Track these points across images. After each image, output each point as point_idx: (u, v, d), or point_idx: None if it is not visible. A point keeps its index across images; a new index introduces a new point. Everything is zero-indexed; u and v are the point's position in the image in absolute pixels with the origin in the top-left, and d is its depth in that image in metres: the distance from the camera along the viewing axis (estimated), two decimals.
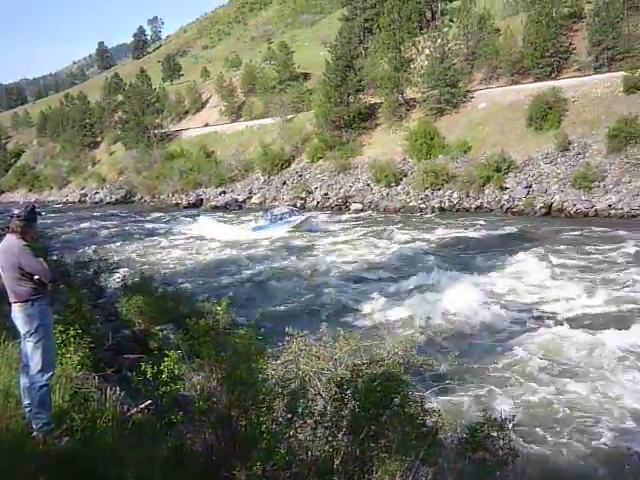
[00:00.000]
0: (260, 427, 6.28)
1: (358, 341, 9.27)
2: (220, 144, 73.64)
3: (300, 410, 7.31)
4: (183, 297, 18.08)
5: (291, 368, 8.55)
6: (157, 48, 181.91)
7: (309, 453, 6.71)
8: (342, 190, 54.34)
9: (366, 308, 23.18)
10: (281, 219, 43.23)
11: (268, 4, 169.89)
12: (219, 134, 76.97)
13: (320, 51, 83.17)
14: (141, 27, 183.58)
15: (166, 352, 6.77)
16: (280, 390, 6.94)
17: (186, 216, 54.76)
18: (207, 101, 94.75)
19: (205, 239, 41.70)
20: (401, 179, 51.64)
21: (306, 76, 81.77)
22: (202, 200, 63.45)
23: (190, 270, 32.58)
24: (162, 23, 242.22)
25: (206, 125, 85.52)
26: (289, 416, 6.96)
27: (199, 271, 32.15)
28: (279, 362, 8.70)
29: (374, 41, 74.38)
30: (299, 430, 7.11)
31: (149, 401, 7.06)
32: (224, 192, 63.00)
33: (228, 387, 6.10)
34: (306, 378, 8.22)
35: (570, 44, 58.82)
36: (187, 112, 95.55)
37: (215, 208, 59.40)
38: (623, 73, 46.26)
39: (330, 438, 6.82)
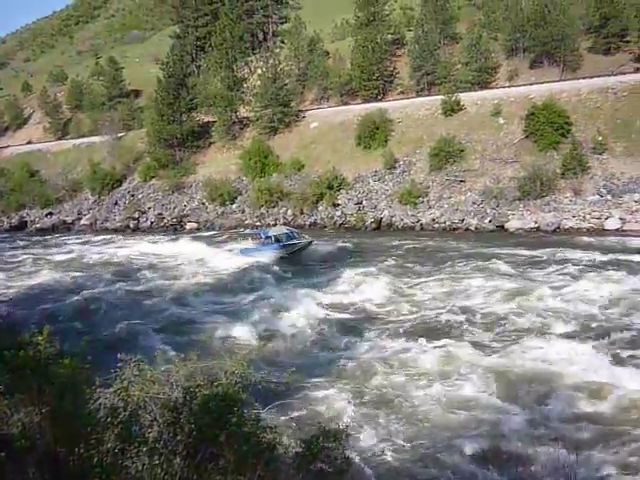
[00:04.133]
0: (90, 461, 5.98)
1: (195, 362, 9.10)
2: (45, 163, 69.68)
3: (134, 439, 7.05)
4: (3, 327, 16.83)
5: (124, 395, 8.23)
6: None
7: None
8: (177, 209, 53.51)
9: (206, 328, 22.90)
10: (278, 241, 36.01)
11: (95, 18, 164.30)
12: (44, 152, 72.84)
13: (151, 68, 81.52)
14: None
15: None
16: (111, 420, 6.66)
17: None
18: (30, 117, 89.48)
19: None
20: (236, 197, 51.83)
21: (137, 93, 79.94)
22: (26, 222, 59.66)
23: (20, 298, 30.39)
24: None
25: (29, 143, 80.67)
26: (122, 446, 6.69)
27: (30, 298, 30.06)
28: (111, 390, 8.33)
29: (206, 60, 74.31)
30: (134, 459, 6.85)
31: None
32: (50, 213, 59.67)
33: (53, 421, 5.76)
34: (141, 404, 7.95)
35: (394, 68, 62.59)
36: (7, 128, 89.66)
37: (41, 230, 56.09)
38: (441, 97, 49.72)
39: (166, 465, 6.64)
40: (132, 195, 58.36)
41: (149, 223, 53.04)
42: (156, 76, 63.23)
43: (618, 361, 17.04)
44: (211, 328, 22.85)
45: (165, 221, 52.58)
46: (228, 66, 60.83)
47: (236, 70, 61.56)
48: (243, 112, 60.73)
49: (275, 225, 44.66)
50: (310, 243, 36.02)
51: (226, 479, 6.21)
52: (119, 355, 8.80)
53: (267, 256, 35.20)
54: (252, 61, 65.78)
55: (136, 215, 54.42)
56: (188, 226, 50.70)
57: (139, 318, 25.29)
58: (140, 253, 40.07)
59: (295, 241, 35.89)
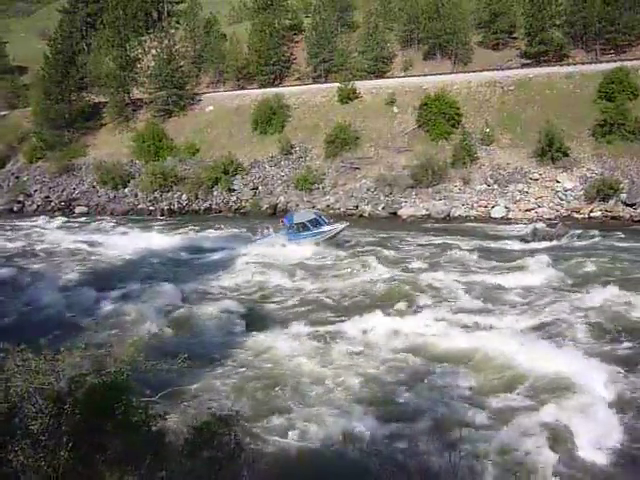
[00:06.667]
0: None
1: (83, 350, 8.84)
2: None
3: (18, 431, 6.79)
4: None
5: (7, 387, 7.89)
6: None
7: (26, 477, 6.28)
8: (65, 192, 51.54)
9: (92, 316, 22.24)
10: (312, 229, 30.56)
11: None
12: None
13: (38, 44, 77.62)
14: None
15: None
16: None
17: None
18: None
19: None
20: (129, 181, 50.43)
21: (22, 70, 75.89)
22: None
23: None
24: None
25: None
26: (2, 439, 6.43)
27: None
28: None
29: (98, 37, 71.50)
30: (18, 453, 6.60)
31: None
32: None
33: None
34: (25, 395, 7.65)
35: (291, 54, 62.59)
36: None
37: None
38: (338, 84, 50.19)
39: (50, 457, 6.44)
40: (16, 177, 55.78)
41: (35, 206, 50.82)
42: (43, 52, 60.28)
43: None
44: (99, 316, 22.23)
45: (53, 204, 50.53)
46: (120, 45, 58.84)
47: (129, 50, 59.56)
48: (136, 93, 59.01)
49: (303, 209, 38.97)
50: (343, 229, 31.10)
51: (113, 469, 6.11)
52: (1, 344, 8.42)
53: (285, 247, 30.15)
54: (146, 41, 63.68)
55: (21, 198, 52.06)
56: (77, 210, 48.85)
57: (28, 304, 24.28)
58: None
59: (326, 228, 30.80)
